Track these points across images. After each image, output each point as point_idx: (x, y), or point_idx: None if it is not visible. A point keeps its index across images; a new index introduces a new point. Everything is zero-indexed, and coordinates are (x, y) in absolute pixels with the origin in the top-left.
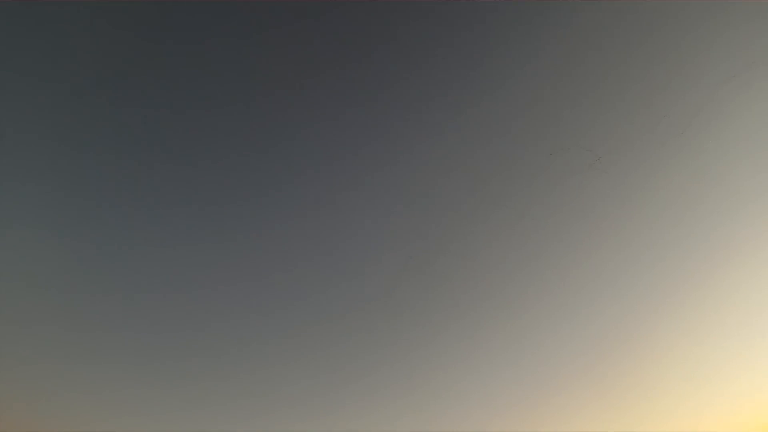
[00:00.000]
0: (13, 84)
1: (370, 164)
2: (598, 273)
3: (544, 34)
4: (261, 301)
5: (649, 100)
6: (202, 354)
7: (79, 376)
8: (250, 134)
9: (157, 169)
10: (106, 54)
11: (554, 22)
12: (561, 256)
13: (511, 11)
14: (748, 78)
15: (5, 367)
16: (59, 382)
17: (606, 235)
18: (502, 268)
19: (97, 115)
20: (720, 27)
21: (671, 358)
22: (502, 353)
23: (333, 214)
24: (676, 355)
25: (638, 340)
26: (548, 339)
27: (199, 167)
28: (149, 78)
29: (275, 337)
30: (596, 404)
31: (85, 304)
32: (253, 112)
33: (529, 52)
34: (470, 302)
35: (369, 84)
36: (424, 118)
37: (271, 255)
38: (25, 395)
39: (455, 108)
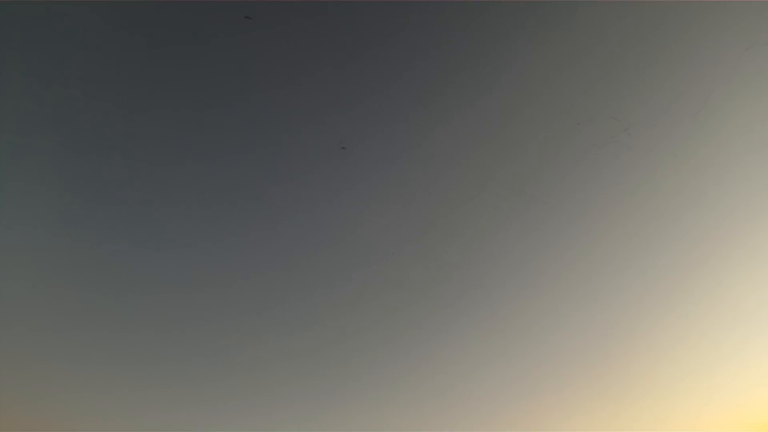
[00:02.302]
0: (15, 85)
1: (378, 144)
2: (612, 260)
3: (567, 14)
4: (260, 299)
5: (666, 79)
6: (203, 352)
7: (79, 375)
8: (249, 134)
9: (157, 169)
10: (108, 54)
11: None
12: (571, 242)
13: None
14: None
15: (6, 367)
16: (59, 381)
17: (619, 221)
18: (512, 257)
19: (99, 115)
20: (728, 16)
21: (678, 351)
22: (511, 345)
23: (339, 201)
24: (682, 349)
25: (653, 329)
26: (557, 331)
27: (199, 166)
28: (150, 78)
29: (276, 334)
30: (599, 400)
31: (88, 303)
32: (251, 112)
33: (551, 27)
34: (477, 293)
35: (377, 68)
36: (446, 91)
37: (270, 251)
38: (25, 395)
39: (478, 81)
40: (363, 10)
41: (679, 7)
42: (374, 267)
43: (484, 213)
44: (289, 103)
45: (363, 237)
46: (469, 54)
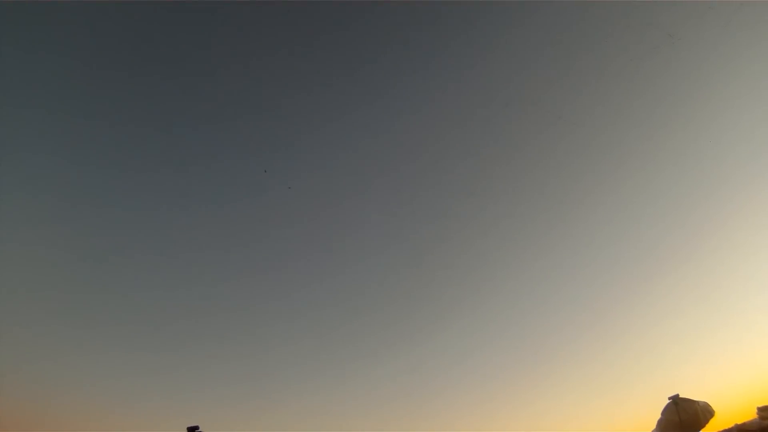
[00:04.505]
0: (17, 87)
1: (403, 101)
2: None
3: None
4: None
5: None
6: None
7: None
8: (261, 135)
9: (160, 168)
10: (110, 58)
11: None
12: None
13: None
14: None
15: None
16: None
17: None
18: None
19: (103, 117)
20: None
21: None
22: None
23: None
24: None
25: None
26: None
27: (207, 166)
28: (152, 83)
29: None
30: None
31: (91, 301)
32: (263, 115)
33: None
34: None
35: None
36: (492, 10)
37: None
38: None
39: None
40: None
41: None
42: (401, 214)
43: (521, 133)
44: (301, 108)
45: (396, 179)
46: None
